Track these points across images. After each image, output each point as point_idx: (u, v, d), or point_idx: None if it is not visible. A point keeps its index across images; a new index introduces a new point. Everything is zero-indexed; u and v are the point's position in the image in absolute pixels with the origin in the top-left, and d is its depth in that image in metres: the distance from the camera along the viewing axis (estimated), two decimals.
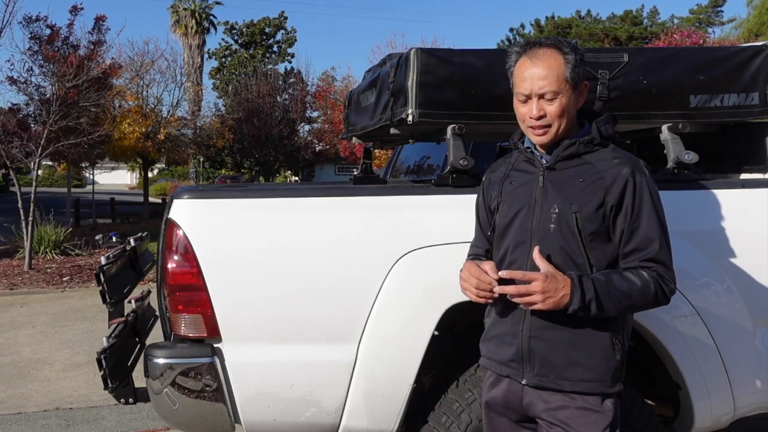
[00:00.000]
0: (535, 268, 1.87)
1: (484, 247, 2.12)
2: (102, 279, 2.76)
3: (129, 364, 2.88)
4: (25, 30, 12.15)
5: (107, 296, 2.79)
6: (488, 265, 1.93)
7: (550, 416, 1.92)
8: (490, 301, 1.94)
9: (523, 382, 1.95)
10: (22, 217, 11.55)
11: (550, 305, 1.81)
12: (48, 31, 12.34)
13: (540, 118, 1.91)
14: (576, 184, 1.90)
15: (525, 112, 1.94)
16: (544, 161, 1.97)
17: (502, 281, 1.87)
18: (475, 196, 2.38)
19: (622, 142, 2.11)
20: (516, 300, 1.85)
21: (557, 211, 1.89)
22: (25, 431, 4.45)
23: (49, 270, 11.02)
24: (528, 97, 1.92)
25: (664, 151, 2.65)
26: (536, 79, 1.89)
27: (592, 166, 1.92)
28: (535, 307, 1.83)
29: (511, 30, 37.31)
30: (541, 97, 1.90)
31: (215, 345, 2.35)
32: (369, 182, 3.70)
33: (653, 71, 2.61)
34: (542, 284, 1.80)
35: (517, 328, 1.95)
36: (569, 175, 1.92)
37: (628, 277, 1.86)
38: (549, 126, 1.91)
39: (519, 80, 1.94)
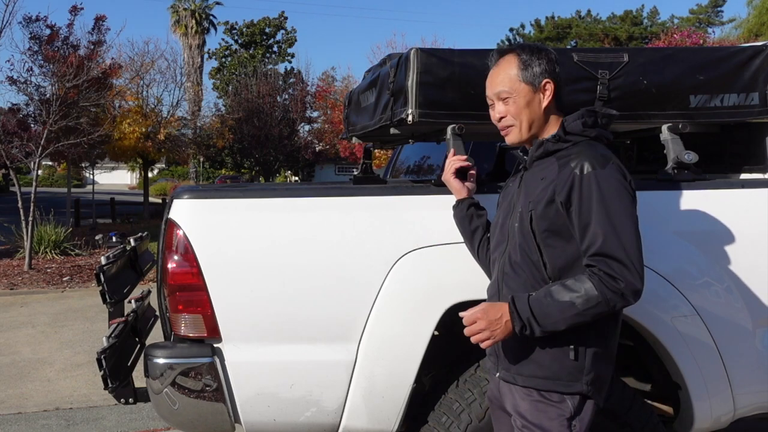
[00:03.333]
0: (504, 272, 2.00)
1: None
2: (102, 279, 2.76)
3: (129, 364, 2.88)
4: (25, 30, 12.17)
5: (107, 296, 2.79)
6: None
7: (513, 408, 2.00)
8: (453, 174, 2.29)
9: (497, 375, 2.05)
10: (22, 217, 11.55)
11: (499, 336, 1.87)
12: (48, 31, 12.34)
13: (501, 119, 2.04)
14: (537, 184, 1.95)
15: (492, 116, 2.07)
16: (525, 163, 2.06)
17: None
18: (476, 195, 2.38)
19: (615, 140, 2.11)
20: (473, 341, 1.90)
21: (520, 210, 1.97)
22: (25, 431, 4.46)
23: (49, 270, 11.02)
24: (492, 101, 2.05)
25: (664, 151, 2.65)
26: (493, 83, 2.04)
27: (555, 163, 1.93)
28: (488, 342, 1.88)
29: (511, 30, 37.35)
30: (499, 98, 2.02)
31: (215, 345, 2.35)
32: (369, 182, 3.70)
33: (653, 71, 2.61)
34: (485, 321, 1.86)
35: None
36: (536, 175, 1.98)
37: (571, 285, 1.82)
38: (511, 126, 2.02)
39: (486, 87, 2.08)
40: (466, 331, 1.90)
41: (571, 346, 1.89)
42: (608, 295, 1.79)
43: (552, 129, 2.00)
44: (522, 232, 1.94)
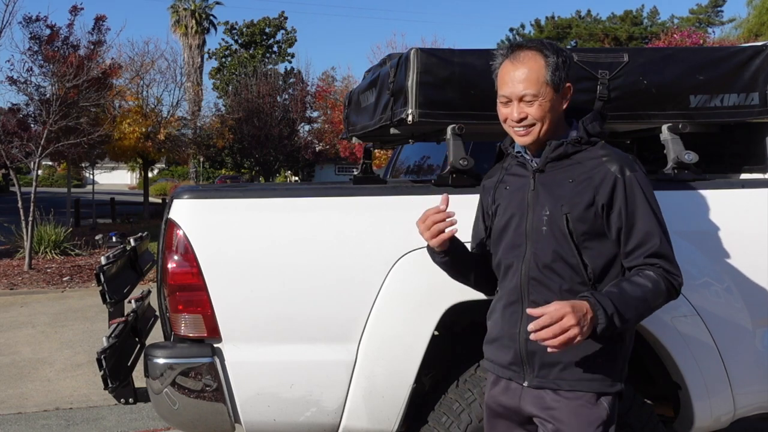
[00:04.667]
0: (530, 277, 1.91)
1: (478, 249, 2.15)
2: (102, 279, 2.76)
3: (129, 364, 2.88)
4: (25, 30, 12.17)
5: (107, 296, 2.79)
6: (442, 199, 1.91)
7: (545, 413, 1.93)
8: (443, 238, 1.90)
9: (525, 384, 1.95)
10: (22, 217, 11.55)
11: (587, 332, 1.74)
12: (48, 31, 12.34)
13: (521, 120, 1.93)
14: (565, 185, 1.91)
15: (506, 113, 1.97)
16: (534, 164, 1.98)
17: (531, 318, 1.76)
18: (474, 195, 2.38)
19: (615, 140, 2.10)
20: (555, 342, 1.71)
21: (548, 213, 1.90)
22: (25, 431, 4.45)
23: (49, 270, 11.02)
24: (509, 100, 1.94)
25: (664, 151, 2.64)
26: (516, 82, 1.91)
27: (581, 165, 1.92)
28: (578, 340, 1.73)
29: (511, 30, 37.36)
30: (521, 99, 1.91)
31: (215, 345, 2.35)
32: (369, 182, 3.70)
33: (653, 71, 2.61)
34: (574, 316, 1.70)
35: (514, 330, 1.95)
36: (559, 177, 1.93)
37: (638, 281, 1.84)
38: (532, 126, 1.92)
39: (501, 83, 1.97)
40: (550, 331, 1.70)
41: (617, 346, 1.92)
42: (670, 289, 1.87)
43: (561, 130, 1.97)
44: (554, 235, 1.89)
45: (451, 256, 2.02)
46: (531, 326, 1.73)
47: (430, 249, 2.03)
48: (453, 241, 1.99)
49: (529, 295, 1.93)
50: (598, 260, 1.90)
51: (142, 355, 2.55)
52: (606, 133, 2.00)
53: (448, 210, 1.91)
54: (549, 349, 1.74)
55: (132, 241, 3.47)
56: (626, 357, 1.97)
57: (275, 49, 41.64)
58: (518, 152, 2.05)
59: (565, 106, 1.97)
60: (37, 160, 11.89)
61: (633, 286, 1.83)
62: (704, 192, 2.53)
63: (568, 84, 1.95)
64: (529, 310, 1.77)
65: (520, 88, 1.90)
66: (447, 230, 1.92)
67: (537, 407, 1.94)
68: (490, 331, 2.07)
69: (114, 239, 13.67)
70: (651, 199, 1.89)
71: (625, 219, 1.87)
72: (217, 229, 2.37)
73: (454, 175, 2.48)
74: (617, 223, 1.88)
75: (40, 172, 18.56)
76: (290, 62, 40.23)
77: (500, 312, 2.01)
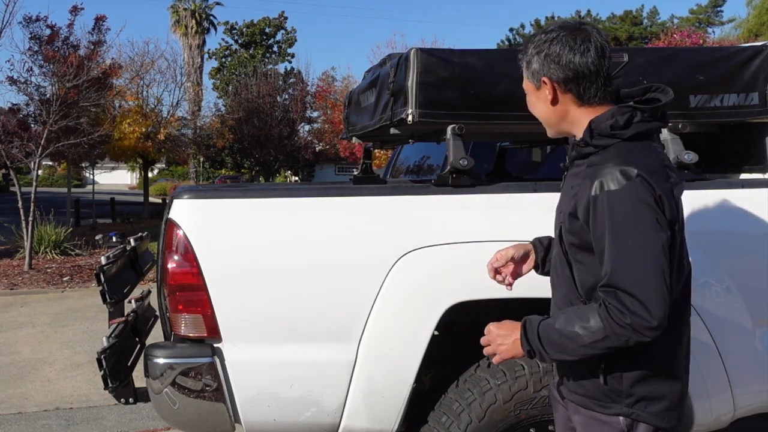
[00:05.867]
0: (552, 279, 1.91)
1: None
2: (102, 279, 2.76)
3: (129, 364, 2.88)
4: (25, 30, 12.17)
5: (107, 296, 2.79)
6: (501, 254, 2.01)
7: (572, 418, 1.92)
8: (499, 279, 2.03)
9: (556, 379, 1.98)
10: (22, 217, 11.55)
11: (504, 353, 1.79)
12: (48, 31, 12.34)
13: None
14: (568, 192, 1.80)
15: None
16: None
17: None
18: (474, 196, 2.38)
19: (655, 131, 1.89)
20: (484, 352, 1.86)
21: (557, 219, 1.87)
22: (25, 431, 4.46)
23: (49, 270, 11.02)
24: None
25: (664, 151, 2.64)
26: None
27: (586, 171, 1.73)
28: (496, 359, 1.82)
29: (511, 30, 37.42)
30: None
31: (215, 345, 2.35)
32: (369, 182, 3.70)
33: (653, 71, 2.61)
34: (492, 334, 1.82)
35: None
36: (569, 181, 1.83)
37: (582, 315, 1.66)
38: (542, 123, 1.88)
39: None
40: (481, 340, 1.86)
41: (600, 370, 1.74)
42: (616, 329, 1.59)
43: (574, 127, 1.80)
44: (558, 243, 1.83)
45: (546, 269, 2.04)
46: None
47: None
48: (542, 254, 2.05)
49: (552, 296, 1.93)
50: (588, 277, 1.73)
51: (142, 355, 2.55)
52: (627, 133, 1.71)
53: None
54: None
55: (132, 241, 3.47)
56: (640, 379, 1.73)
57: (275, 49, 41.68)
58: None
59: (551, 101, 1.78)
60: (37, 160, 11.90)
61: (574, 320, 1.67)
62: (704, 192, 2.53)
63: (543, 78, 1.76)
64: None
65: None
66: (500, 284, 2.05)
67: (570, 409, 1.92)
68: None
69: (114, 239, 13.66)
70: (621, 221, 1.61)
71: (595, 242, 1.67)
72: (217, 229, 2.37)
73: (454, 175, 2.47)
74: (594, 243, 1.68)
75: (40, 172, 18.55)
76: (290, 62, 40.30)
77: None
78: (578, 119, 1.78)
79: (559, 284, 1.87)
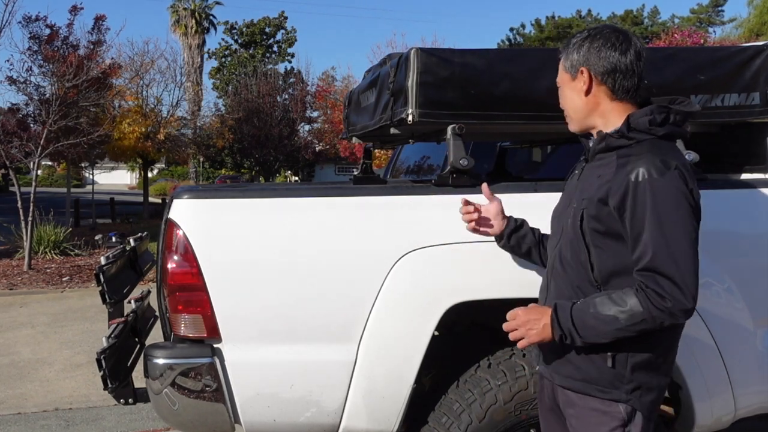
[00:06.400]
0: (553, 266, 1.97)
1: None
2: (102, 279, 2.75)
3: (129, 364, 2.88)
4: (24, 30, 12.18)
5: (107, 296, 2.78)
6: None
7: (564, 410, 1.96)
8: (478, 228, 2.24)
9: (536, 368, 2.05)
10: (22, 217, 11.55)
11: (533, 337, 1.85)
12: (47, 31, 12.35)
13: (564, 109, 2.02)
14: (593, 181, 1.87)
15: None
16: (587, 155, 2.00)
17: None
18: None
19: (682, 136, 2.03)
20: (510, 338, 1.90)
21: (575, 206, 1.91)
22: (25, 431, 4.45)
23: (48, 270, 11.02)
24: None
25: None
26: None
27: (615, 162, 1.83)
28: (523, 342, 1.86)
29: (512, 30, 37.41)
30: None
31: (215, 345, 2.35)
32: (369, 182, 3.69)
33: (654, 71, 2.60)
34: (521, 319, 1.86)
35: None
36: (594, 171, 1.90)
37: (617, 299, 1.75)
38: (568, 116, 2.00)
39: None
40: (504, 326, 1.89)
41: (609, 353, 1.82)
42: (654, 312, 1.71)
43: (616, 121, 1.88)
44: (573, 229, 1.88)
45: (514, 234, 2.23)
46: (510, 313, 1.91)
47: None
48: (512, 228, 2.23)
49: (549, 285, 1.99)
50: (609, 262, 1.82)
51: (142, 355, 2.55)
52: (662, 130, 1.83)
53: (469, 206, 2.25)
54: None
55: (132, 241, 3.46)
56: (635, 367, 1.83)
57: (275, 49, 41.68)
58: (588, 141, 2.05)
59: (585, 93, 1.89)
60: (37, 160, 11.90)
61: (609, 303, 1.75)
62: (705, 192, 2.51)
63: (581, 68, 1.88)
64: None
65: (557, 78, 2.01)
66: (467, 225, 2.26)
67: (561, 402, 1.97)
68: None
69: (114, 239, 13.65)
70: (664, 209, 1.72)
71: (631, 227, 1.76)
72: (217, 229, 2.37)
73: (454, 175, 2.47)
74: (628, 229, 1.78)
75: (39, 172, 18.55)
76: (290, 62, 40.29)
77: (539, 295, 2.09)
78: (608, 113, 1.90)
79: (564, 271, 1.92)
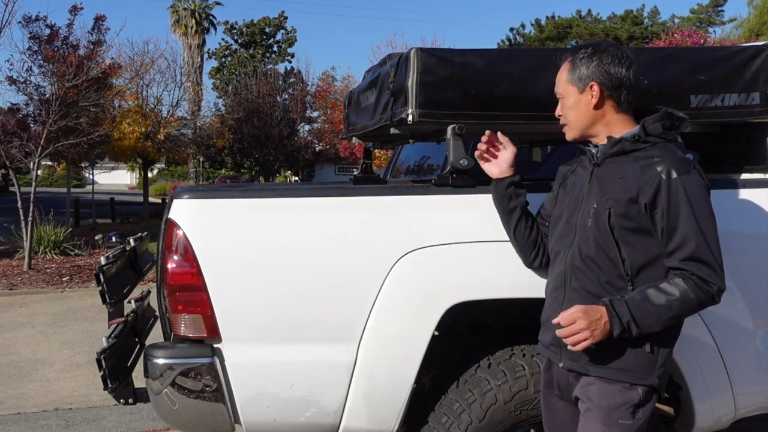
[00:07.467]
0: (573, 265, 2.03)
1: (536, 216, 2.32)
2: (102, 279, 2.75)
3: (129, 364, 2.88)
4: (24, 30, 12.16)
5: (107, 296, 2.78)
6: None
7: (582, 393, 2.04)
8: (486, 158, 2.33)
9: (560, 365, 2.08)
10: (22, 217, 11.55)
11: (598, 336, 1.90)
12: (47, 31, 12.34)
13: (559, 117, 2.15)
14: (615, 181, 1.99)
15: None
16: (596, 159, 2.09)
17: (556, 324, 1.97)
18: (474, 196, 2.38)
19: (677, 140, 2.13)
20: (569, 343, 1.92)
21: (595, 206, 2.01)
22: (25, 431, 4.45)
23: (48, 270, 11.02)
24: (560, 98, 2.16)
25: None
26: (556, 82, 2.15)
27: (635, 163, 1.98)
28: (586, 344, 1.90)
29: (512, 30, 37.43)
30: (559, 98, 2.15)
31: (215, 345, 2.35)
32: (369, 182, 3.69)
33: (653, 71, 2.60)
34: (585, 321, 1.89)
35: (555, 314, 2.02)
36: (612, 172, 2.01)
37: (666, 288, 1.90)
38: (566, 124, 2.12)
39: None
40: (563, 332, 1.92)
41: (648, 342, 1.96)
42: (701, 297, 1.90)
43: (619, 129, 2.05)
44: (598, 227, 1.99)
45: (515, 187, 2.29)
46: (554, 321, 1.96)
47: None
48: (515, 181, 2.30)
49: (571, 282, 2.04)
50: (639, 256, 1.96)
51: (142, 355, 2.55)
52: (671, 134, 2.04)
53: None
54: (568, 347, 1.93)
55: (132, 241, 3.46)
56: (666, 352, 2.00)
57: (275, 49, 41.69)
58: (588, 146, 2.15)
59: (594, 104, 2.04)
60: (37, 160, 11.89)
61: (659, 293, 1.90)
62: None
63: (591, 82, 2.03)
64: (553, 320, 1.97)
65: (556, 86, 2.14)
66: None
67: (577, 387, 2.05)
68: (542, 314, 2.20)
69: (114, 239, 13.64)
70: (697, 203, 1.92)
71: (667, 220, 1.91)
72: (216, 229, 2.37)
73: (454, 175, 2.47)
74: (661, 223, 1.93)
75: (39, 172, 18.55)
76: (290, 62, 40.30)
77: (548, 296, 2.16)
78: (612, 123, 2.06)
79: (587, 267, 2.01)
